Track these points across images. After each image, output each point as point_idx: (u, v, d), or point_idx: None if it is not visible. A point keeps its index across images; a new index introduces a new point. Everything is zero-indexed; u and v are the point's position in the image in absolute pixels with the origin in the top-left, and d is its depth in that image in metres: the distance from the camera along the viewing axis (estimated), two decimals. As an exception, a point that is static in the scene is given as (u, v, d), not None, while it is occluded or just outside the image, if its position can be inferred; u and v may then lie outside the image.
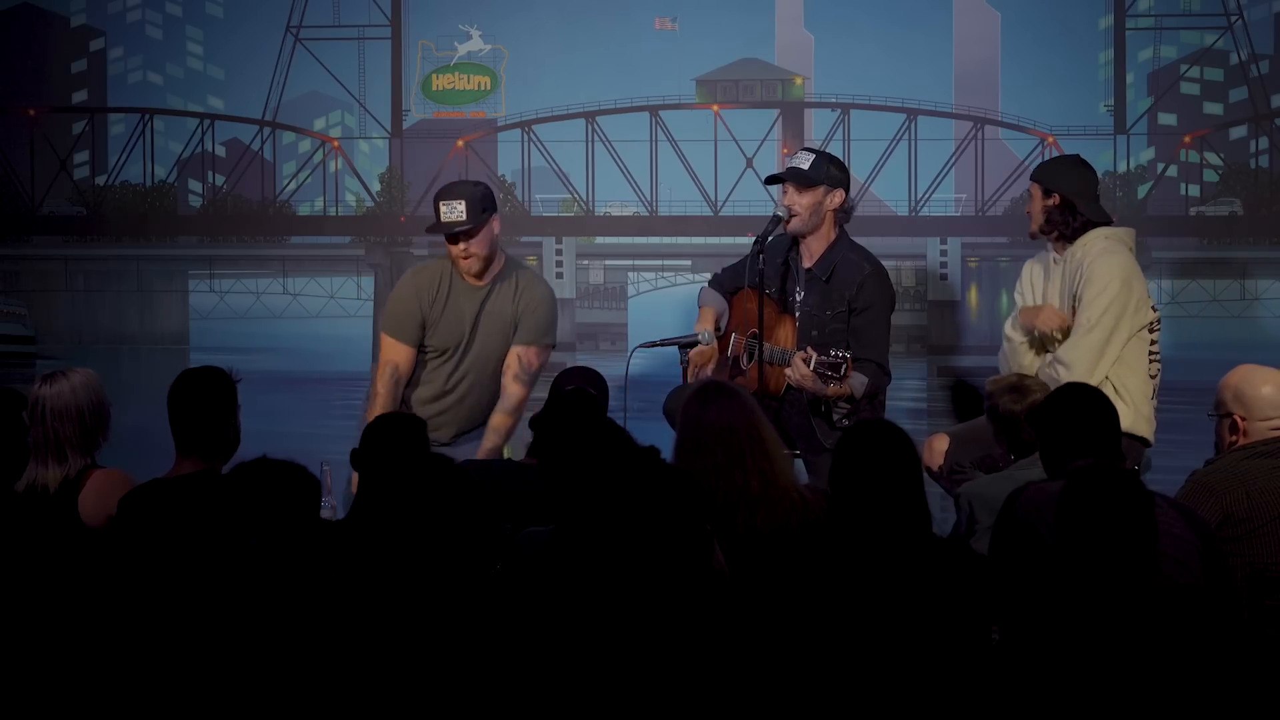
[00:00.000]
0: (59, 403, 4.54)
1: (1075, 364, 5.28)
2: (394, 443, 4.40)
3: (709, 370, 5.63)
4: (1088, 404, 4.12)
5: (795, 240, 5.63)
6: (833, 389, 5.23)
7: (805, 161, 5.53)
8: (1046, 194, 5.45)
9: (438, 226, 5.62)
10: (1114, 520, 3.40)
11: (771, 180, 5.74)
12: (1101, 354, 5.32)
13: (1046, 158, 8.22)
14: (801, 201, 5.52)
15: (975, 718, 3.48)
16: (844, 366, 5.13)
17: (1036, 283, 5.59)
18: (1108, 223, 5.48)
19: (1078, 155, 5.71)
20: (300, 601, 3.44)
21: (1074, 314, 5.38)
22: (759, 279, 5.39)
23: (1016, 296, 5.69)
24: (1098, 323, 5.31)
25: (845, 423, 5.43)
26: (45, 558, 4.01)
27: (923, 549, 3.66)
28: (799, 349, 5.35)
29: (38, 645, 3.73)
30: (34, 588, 3.87)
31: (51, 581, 3.88)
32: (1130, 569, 3.39)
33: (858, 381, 5.29)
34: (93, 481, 4.50)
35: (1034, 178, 5.56)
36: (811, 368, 5.17)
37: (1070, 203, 5.41)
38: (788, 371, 5.33)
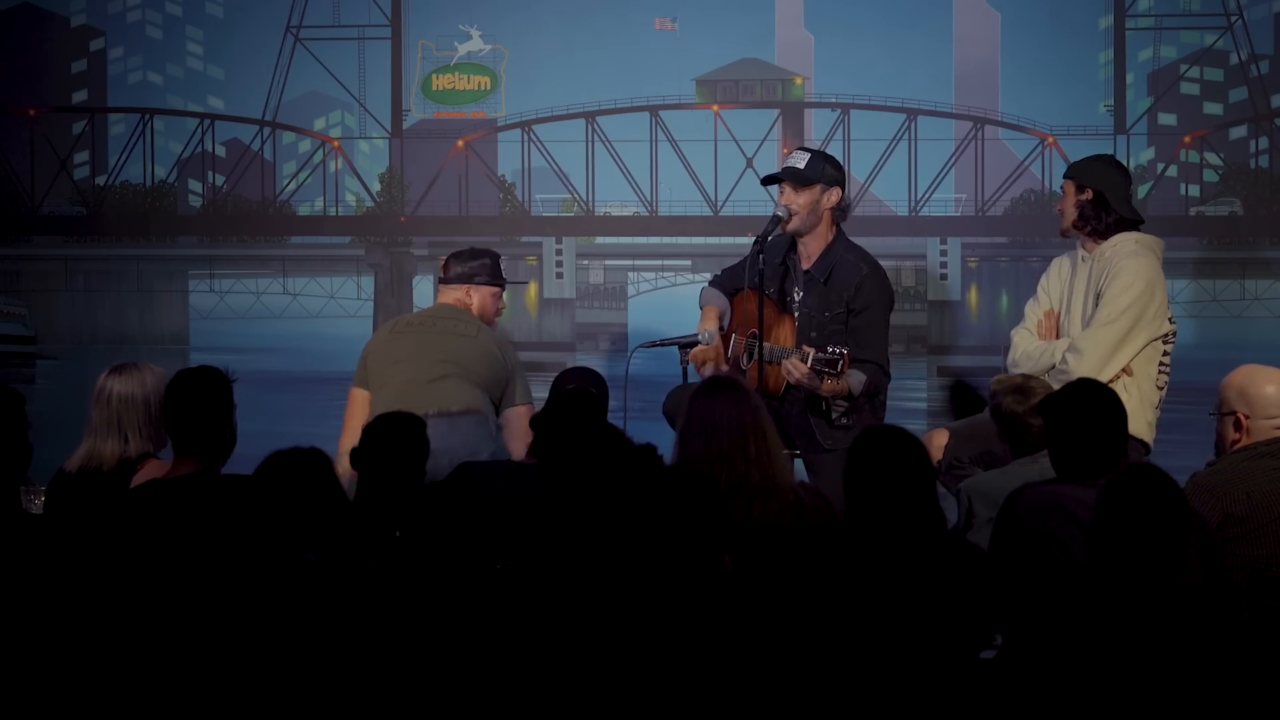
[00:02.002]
0: (126, 388, 4.63)
1: (1089, 353, 5.29)
2: (394, 442, 4.40)
3: (710, 369, 5.63)
4: (1098, 401, 4.11)
5: (794, 241, 5.63)
6: (827, 385, 5.23)
7: (801, 161, 5.54)
8: (1080, 189, 5.46)
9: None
10: (1154, 522, 3.40)
11: (769, 180, 5.73)
12: (1117, 349, 5.33)
13: (1047, 158, 8.22)
14: (799, 200, 5.53)
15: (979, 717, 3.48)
16: (840, 362, 5.14)
17: (1064, 277, 5.60)
18: (1139, 221, 5.50)
19: (1111, 155, 5.73)
20: (345, 606, 3.44)
21: (1095, 309, 5.40)
22: (759, 279, 5.40)
23: (1038, 294, 5.68)
24: (1117, 318, 5.32)
25: (844, 421, 5.44)
26: (96, 537, 4.03)
27: (937, 554, 3.66)
28: (797, 349, 5.35)
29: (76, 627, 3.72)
30: (85, 566, 3.87)
31: (103, 560, 3.89)
32: (1162, 571, 3.39)
33: (855, 379, 5.30)
34: (147, 468, 4.54)
35: (1067, 175, 5.57)
36: (809, 364, 5.18)
37: (1103, 198, 5.42)
38: (785, 364, 5.33)
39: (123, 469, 4.57)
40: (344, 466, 4.63)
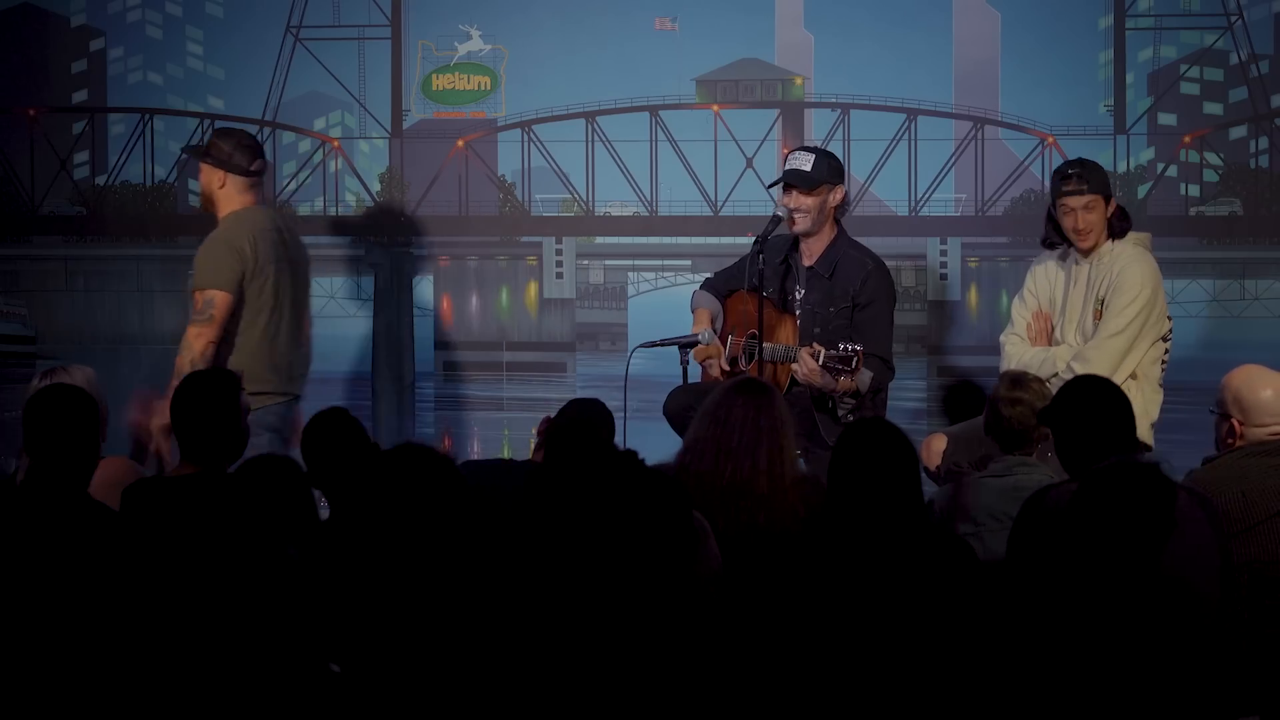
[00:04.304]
0: None
1: (1098, 363, 5.32)
2: (337, 438, 4.41)
3: (713, 364, 5.63)
4: (1101, 396, 4.11)
5: (795, 240, 5.63)
6: (843, 383, 5.24)
7: (805, 163, 5.53)
8: (1106, 201, 5.47)
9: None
10: (1135, 517, 3.41)
11: (776, 184, 5.73)
12: (1123, 358, 5.38)
13: (1047, 158, 8.22)
14: (807, 203, 5.53)
15: (969, 716, 3.48)
16: (855, 360, 5.14)
17: (1053, 278, 5.59)
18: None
19: (1089, 160, 5.69)
20: (324, 604, 3.44)
21: (1097, 316, 5.43)
22: (758, 279, 5.40)
23: (1025, 296, 5.67)
24: (1124, 329, 5.38)
25: (850, 418, 5.44)
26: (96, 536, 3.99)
27: (919, 546, 3.67)
28: (802, 346, 5.35)
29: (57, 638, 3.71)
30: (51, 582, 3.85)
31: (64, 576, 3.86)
32: (1143, 566, 3.40)
33: (864, 376, 5.30)
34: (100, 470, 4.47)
35: (1093, 189, 5.43)
36: (820, 362, 5.18)
37: (1120, 206, 5.50)
38: (795, 367, 5.33)
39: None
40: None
